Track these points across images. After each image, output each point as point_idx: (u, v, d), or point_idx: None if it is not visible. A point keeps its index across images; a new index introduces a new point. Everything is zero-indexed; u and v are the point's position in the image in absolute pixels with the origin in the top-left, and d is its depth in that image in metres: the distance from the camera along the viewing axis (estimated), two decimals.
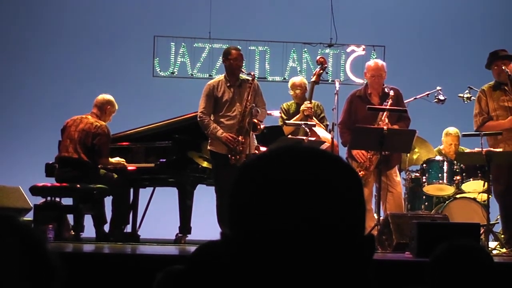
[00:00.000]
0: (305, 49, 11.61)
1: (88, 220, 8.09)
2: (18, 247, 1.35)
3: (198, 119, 7.71)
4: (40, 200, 8.16)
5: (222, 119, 7.71)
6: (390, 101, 7.68)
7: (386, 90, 7.81)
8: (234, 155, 7.56)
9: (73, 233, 7.93)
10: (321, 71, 8.40)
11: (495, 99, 7.54)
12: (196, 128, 7.82)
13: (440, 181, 8.29)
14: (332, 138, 7.73)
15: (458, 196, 8.41)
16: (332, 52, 11.57)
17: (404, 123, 7.84)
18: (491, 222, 7.55)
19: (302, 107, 8.18)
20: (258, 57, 11.51)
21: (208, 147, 7.74)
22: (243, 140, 7.60)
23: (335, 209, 1.14)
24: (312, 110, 8.23)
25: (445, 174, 8.30)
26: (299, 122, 7.91)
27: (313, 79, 8.38)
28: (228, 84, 7.76)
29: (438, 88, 8.74)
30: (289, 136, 8.05)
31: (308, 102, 8.22)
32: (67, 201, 8.15)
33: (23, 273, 1.34)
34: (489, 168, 7.46)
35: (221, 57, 10.23)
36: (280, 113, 8.48)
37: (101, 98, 8.32)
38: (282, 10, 11.77)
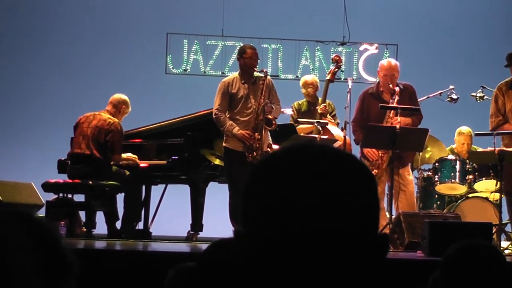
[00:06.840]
0: (318, 47, 11.59)
1: (100, 217, 8.11)
2: (35, 244, 1.36)
3: (214, 116, 7.69)
4: (52, 196, 8.17)
5: (237, 116, 7.70)
6: (396, 98, 7.65)
7: (390, 86, 7.74)
8: (251, 152, 7.54)
9: (85, 229, 7.95)
10: (336, 69, 8.38)
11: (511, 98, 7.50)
12: (209, 126, 7.81)
13: (453, 180, 8.26)
14: (345, 137, 7.71)
15: (470, 195, 8.38)
16: (345, 50, 11.54)
17: (416, 117, 7.80)
18: (503, 222, 7.52)
19: (319, 110, 8.15)
20: (270, 55, 11.50)
21: (224, 144, 7.72)
22: (259, 137, 7.59)
23: (349, 208, 1.14)
24: (326, 108, 8.23)
25: (457, 173, 8.27)
26: (312, 120, 7.90)
27: (328, 77, 8.36)
28: (242, 81, 7.76)
29: (451, 87, 8.71)
30: (302, 134, 8.05)
31: (323, 102, 8.22)
32: (79, 197, 8.17)
33: (39, 269, 1.34)
34: (501, 168, 7.43)
35: (234, 55, 10.27)
36: (292, 111, 8.47)
37: (117, 96, 8.32)
38: (295, 8, 11.75)
